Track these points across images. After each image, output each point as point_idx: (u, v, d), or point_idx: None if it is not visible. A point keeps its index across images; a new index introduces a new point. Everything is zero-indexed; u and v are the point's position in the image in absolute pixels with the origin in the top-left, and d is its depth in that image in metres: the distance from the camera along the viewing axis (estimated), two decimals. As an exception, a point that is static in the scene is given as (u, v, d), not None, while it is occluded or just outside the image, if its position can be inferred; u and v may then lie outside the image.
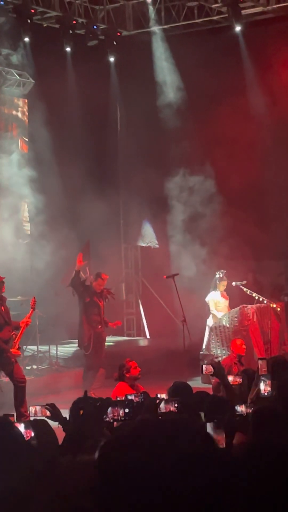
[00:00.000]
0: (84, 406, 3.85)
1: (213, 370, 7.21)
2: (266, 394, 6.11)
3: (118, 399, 7.31)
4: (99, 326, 14.64)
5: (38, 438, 5.15)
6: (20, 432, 4.81)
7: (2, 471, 3.52)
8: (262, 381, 5.62)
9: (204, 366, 7.37)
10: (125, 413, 5.15)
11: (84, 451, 2.91)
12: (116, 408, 5.06)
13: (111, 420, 5.04)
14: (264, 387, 5.54)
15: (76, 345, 18.41)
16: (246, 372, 8.31)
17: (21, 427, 5.23)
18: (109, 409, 4.86)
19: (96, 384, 14.27)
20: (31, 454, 4.08)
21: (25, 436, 5.18)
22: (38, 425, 5.35)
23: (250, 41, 18.60)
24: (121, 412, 5.13)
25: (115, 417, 5.08)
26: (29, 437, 5.24)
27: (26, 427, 5.28)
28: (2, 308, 12.09)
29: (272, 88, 18.58)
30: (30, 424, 5.32)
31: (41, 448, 4.66)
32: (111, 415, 5.01)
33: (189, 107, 18.59)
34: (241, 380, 7.68)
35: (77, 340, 18.48)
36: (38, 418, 6.02)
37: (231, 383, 7.63)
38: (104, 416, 4.91)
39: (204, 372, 7.35)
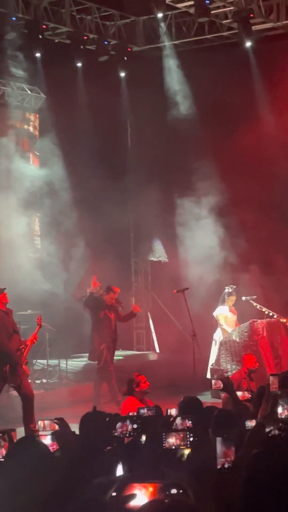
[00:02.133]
0: (93, 421, 3.88)
1: (222, 385, 7.22)
2: (283, 417, 6.10)
3: (130, 414, 7.32)
4: (110, 339, 14.75)
5: (62, 450, 5.16)
6: (46, 445, 4.84)
7: (30, 484, 3.55)
8: (280, 405, 5.61)
9: (213, 381, 7.37)
10: (134, 428, 5.17)
11: (94, 467, 2.95)
12: (125, 423, 5.07)
13: (120, 435, 5.06)
14: (282, 411, 5.55)
15: (86, 358, 18.48)
16: (260, 388, 8.30)
17: (47, 439, 5.26)
18: (118, 424, 4.88)
19: (106, 398, 14.31)
20: (57, 466, 4.11)
21: (52, 448, 5.21)
22: (62, 437, 5.36)
23: (260, 56, 18.64)
24: (129, 427, 5.14)
25: (124, 432, 5.09)
26: (54, 449, 5.26)
27: (52, 440, 5.31)
28: (10, 319, 12.06)
29: (283, 103, 18.61)
30: (55, 437, 5.34)
31: (65, 460, 4.68)
32: (120, 430, 5.03)
33: (199, 122, 18.63)
34: (250, 395, 7.69)
35: (87, 354, 18.54)
36: (59, 430, 6.03)
37: (240, 398, 7.64)
38: (113, 431, 4.93)
39: (213, 387, 7.36)
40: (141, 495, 2.78)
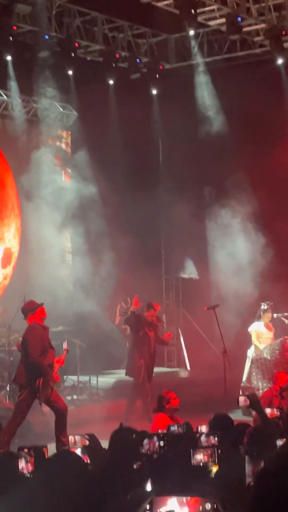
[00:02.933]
0: (120, 438, 3.87)
1: (249, 402, 7.16)
2: None
3: (159, 431, 7.29)
4: (148, 356, 14.76)
5: (93, 463, 5.16)
6: (80, 457, 4.85)
7: (63, 495, 3.54)
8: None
9: (240, 398, 7.30)
10: (161, 446, 5.15)
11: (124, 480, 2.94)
12: (152, 440, 5.05)
13: (147, 452, 5.04)
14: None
15: (117, 375, 18.46)
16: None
17: (78, 451, 5.26)
18: (145, 441, 4.85)
19: (137, 415, 14.28)
20: (89, 478, 4.11)
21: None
22: (93, 451, 5.36)
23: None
24: (156, 444, 5.12)
25: (151, 449, 5.07)
26: (86, 462, 5.26)
27: (82, 453, 5.31)
28: (46, 334, 12.04)
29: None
30: (86, 450, 5.34)
31: (96, 473, 4.67)
32: (147, 447, 5.01)
33: (230, 138, 18.62)
34: (279, 413, 7.62)
35: (118, 371, 18.54)
36: (90, 445, 6.03)
37: (269, 416, 7.57)
38: (140, 448, 4.91)
39: (240, 405, 7.28)
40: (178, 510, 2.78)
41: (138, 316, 14.77)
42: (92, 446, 5.43)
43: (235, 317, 16.93)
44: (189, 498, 2.84)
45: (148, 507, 2.81)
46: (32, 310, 11.87)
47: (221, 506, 3.40)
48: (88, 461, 5.16)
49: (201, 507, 2.80)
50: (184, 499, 2.82)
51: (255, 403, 7.25)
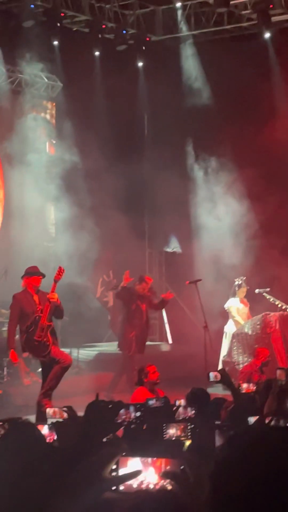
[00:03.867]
0: (96, 408, 3.84)
1: (220, 378, 7.16)
2: None
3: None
4: (140, 330, 14.81)
5: (60, 440, 5.14)
6: (43, 436, 4.82)
7: (24, 473, 3.51)
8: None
9: (211, 373, 7.29)
10: (137, 416, 5.14)
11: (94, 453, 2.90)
12: (128, 411, 5.04)
13: (123, 423, 5.03)
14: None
15: (99, 348, 18.49)
16: (267, 381, 8.23)
17: (45, 429, 5.23)
18: (122, 411, 4.83)
19: (120, 388, 14.32)
20: (54, 456, 4.07)
21: (48, 438, 5.18)
22: (61, 428, 5.34)
23: (279, 48, 18.53)
24: (133, 415, 5.11)
25: (127, 420, 5.07)
26: (52, 440, 5.23)
27: (49, 429, 5.28)
28: (32, 300, 11.78)
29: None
30: (53, 427, 5.31)
31: (62, 449, 4.65)
32: (124, 417, 5.00)
33: (216, 113, 18.55)
34: (255, 388, 7.63)
35: (100, 344, 18.56)
36: (59, 420, 6.02)
37: (244, 391, 7.59)
38: (116, 419, 4.89)
39: (211, 380, 7.28)
40: (146, 472, 2.74)
41: (129, 289, 14.78)
42: (63, 423, 5.42)
43: (219, 292, 16.93)
44: (155, 459, 2.79)
45: (114, 467, 2.76)
46: (30, 274, 11.80)
47: (188, 468, 3.38)
48: (55, 437, 5.14)
49: (167, 468, 2.76)
50: (149, 459, 2.78)
51: (225, 378, 7.27)
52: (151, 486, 2.67)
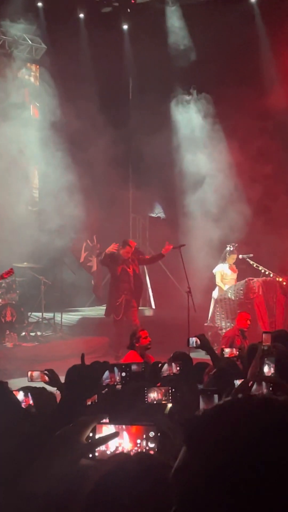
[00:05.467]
0: (80, 371, 3.82)
1: (200, 343, 7.15)
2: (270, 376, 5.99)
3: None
4: (129, 293, 14.88)
5: (37, 406, 5.13)
6: (18, 400, 4.80)
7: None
8: (266, 364, 5.51)
9: (191, 339, 7.26)
10: (122, 377, 5.13)
11: (78, 415, 2.89)
12: (113, 374, 5.03)
13: (110, 384, 5.03)
14: (267, 370, 5.45)
15: (81, 312, 18.50)
16: (251, 346, 8.22)
17: (20, 395, 5.22)
18: (106, 374, 4.82)
19: (102, 351, 14.39)
20: (29, 421, 4.07)
21: (23, 403, 5.17)
22: (37, 393, 5.33)
23: (265, 10, 18.40)
24: (117, 377, 5.10)
25: (112, 383, 5.06)
26: (27, 405, 5.22)
27: (25, 395, 5.27)
28: None
29: (287, 60, 18.41)
30: (28, 392, 5.30)
31: (40, 416, 4.65)
32: (108, 381, 4.99)
33: (201, 78, 18.43)
34: (237, 352, 7.62)
35: (82, 308, 18.55)
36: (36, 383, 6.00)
37: (227, 355, 7.59)
38: (101, 380, 4.89)
39: (190, 345, 7.26)
40: (123, 436, 2.72)
41: (112, 255, 14.78)
42: (39, 389, 5.41)
43: (204, 258, 16.94)
44: (129, 426, 2.78)
45: (91, 435, 2.75)
46: None
47: (170, 431, 3.38)
48: (31, 403, 5.13)
49: (144, 435, 2.75)
50: (123, 426, 2.76)
51: (204, 343, 7.26)
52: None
